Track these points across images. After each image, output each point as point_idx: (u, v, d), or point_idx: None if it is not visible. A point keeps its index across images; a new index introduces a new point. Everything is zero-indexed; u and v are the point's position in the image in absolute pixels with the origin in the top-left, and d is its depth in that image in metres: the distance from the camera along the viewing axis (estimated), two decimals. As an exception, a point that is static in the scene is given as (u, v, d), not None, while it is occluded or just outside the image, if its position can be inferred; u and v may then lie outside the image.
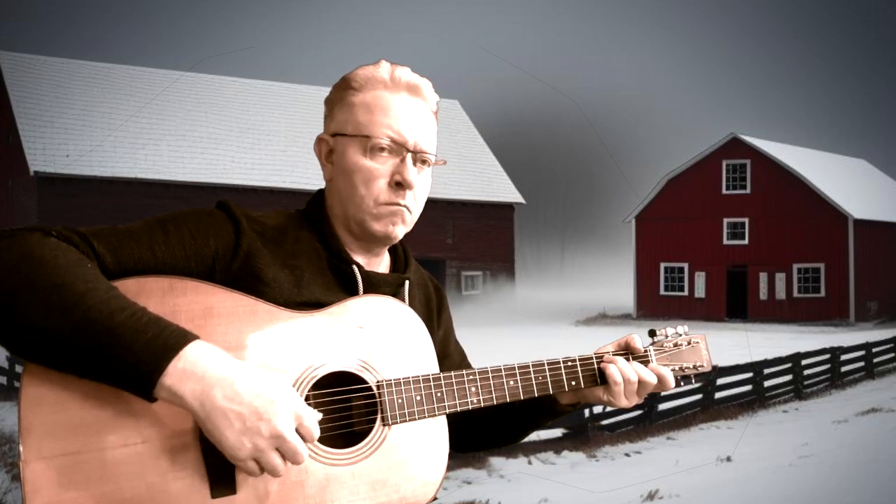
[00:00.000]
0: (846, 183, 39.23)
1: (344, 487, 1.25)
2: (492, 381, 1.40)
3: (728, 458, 10.20)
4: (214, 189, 32.78)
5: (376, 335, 1.34)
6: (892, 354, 21.52)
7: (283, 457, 1.13)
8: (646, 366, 1.53)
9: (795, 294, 36.48)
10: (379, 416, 1.30)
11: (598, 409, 12.96)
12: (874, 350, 20.62)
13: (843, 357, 19.47)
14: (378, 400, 1.30)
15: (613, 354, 1.53)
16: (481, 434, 1.61)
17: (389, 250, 1.51)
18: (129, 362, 1.08)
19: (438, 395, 1.35)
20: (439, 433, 1.36)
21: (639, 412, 13.99)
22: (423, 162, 1.40)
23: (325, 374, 1.28)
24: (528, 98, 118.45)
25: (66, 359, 1.09)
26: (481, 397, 1.39)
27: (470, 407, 1.37)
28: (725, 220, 37.82)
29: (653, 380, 1.51)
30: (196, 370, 1.10)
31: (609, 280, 61.17)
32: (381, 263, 1.48)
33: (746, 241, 37.48)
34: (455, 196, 39.22)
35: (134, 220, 1.29)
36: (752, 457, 10.25)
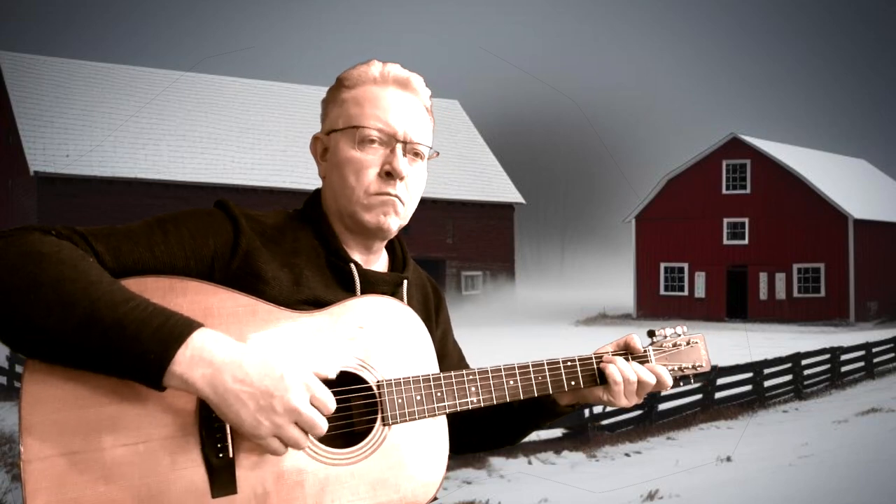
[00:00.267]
0: (846, 183, 39.23)
1: (344, 487, 1.25)
2: (491, 381, 1.41)
3: (728, 458, 10.20)
4: (214, 189, 32.78)
5: (376, 335, 1.34)
6: (892, 354, 21.51)
7: (303, 430, 1.15)
8: (645, 366, 1.53)
9: (795, 294, 36.47)
10: (379, 415, 1.30)
11: (598, 409, 12.96)
12: (874, 350, 20.62)
13: (843, 357, 19.47)
14: (378, 400, 1.31)
15: (613, 354, 1.53)
16: (481, 434, 1.61)
17: (388, 250, 1.52)
18: (137, 353, 1.09)
19: (438, 394, 1.35)
20: (439, 433, 1.36)
21: (639, 412, 13.99)
22: (416, 154, 1.41)
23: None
24: (528, 98, 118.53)
25: (73, 353, 1.09)
26: (481, 397, 1.39)
27: (470, 407, 1.38)
28: (725, 220, 37.82)
29: (652, 380, 1.51)
30: (204, 356, 1.11)
31: (609, 280, 61.17)
32: (380, 262, 1.48)
33: (746, 241, 37.48)
34: (455, 196, 39.24)
35: (134, 220, 1.30)
36: (752, 457, 10.25)
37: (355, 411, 1.31)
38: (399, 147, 1.38)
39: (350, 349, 1.31)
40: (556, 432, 12.50)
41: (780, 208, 36.51)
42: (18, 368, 14.97)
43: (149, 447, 1.14)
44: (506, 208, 42.49)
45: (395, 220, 1.40)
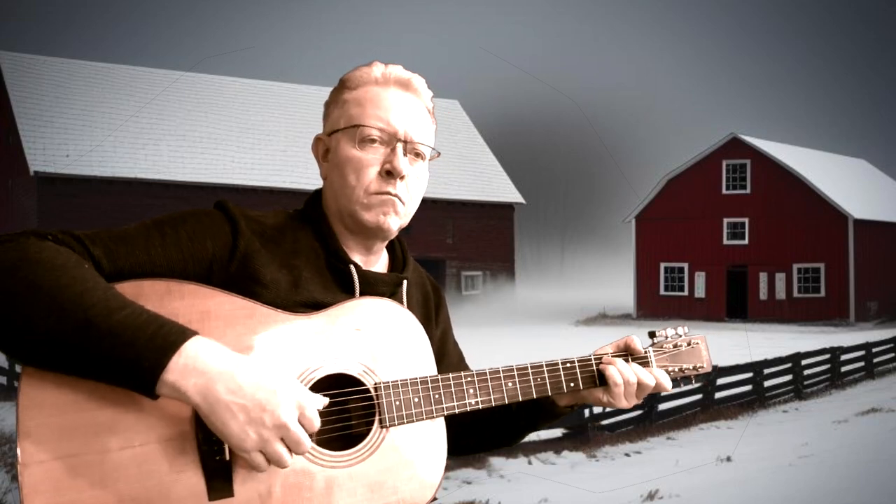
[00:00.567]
0: (846, 183, 39.23)
1: (342, 489, 1.25)
2: (490, 383, 1.40)
3: (728, 458, 10.20)
4: (214, 189, 32.79)
5: (374, 337, 1.34)
6: (892, 354, 21.52)
7: (288, 447, 1.14)
8: (645, 367, 1.53)
9: (795, 294, 36.48)
10: (377, 418, 1.30)
11: (597, 409, 12.96)
12: (874, 350, 20.63)
13: (843, 357, 19.48)
14: (376, 402, 1.30)
15: (613, 356, 1.53)
16: (479, 436, 1.61)
17: (388, 249, 1.51)
18: (131, 360, 1.08)
19: (436, 396, 1.35)
20: (438, 435, 1.36)
21: (639, 412, 13.99)
22: (417, 155, 1.41)
23: (322, 377, 1.28)
24: (528, 98, 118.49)
25: (67, 360, 1.09)
26: (479, 399, 1.39)
27: (468, 409, 1.37)
28: (725, 220, 37.83)
29: (651, 381, 1.51)
30: (197, 365, 1.10)
31: (609, 280, 61.17)
32: (380, 262, 1.48)
33: (746, 241, 37.48)
34: (455, 196, 39.23)
35: (134, 221, 1.30)
36: (752, 457, 10.25)
37: (353, 414, 1.31)
38: (399, 146, 1.38)
39: (347, 352, 1.31)
40: (556, 432, 12.50)
41: (780, 208, 36.52)
42: (18, 368, 14.97)
43: (146, 450, 1.14)
44: (506, 208, 42.50)
45: (395, 220, 1.39)
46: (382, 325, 1.35)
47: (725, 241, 37.89)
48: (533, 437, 10.56)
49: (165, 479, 1.14)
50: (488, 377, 1.40)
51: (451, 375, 1.37)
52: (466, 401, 1.37)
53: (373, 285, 1.40)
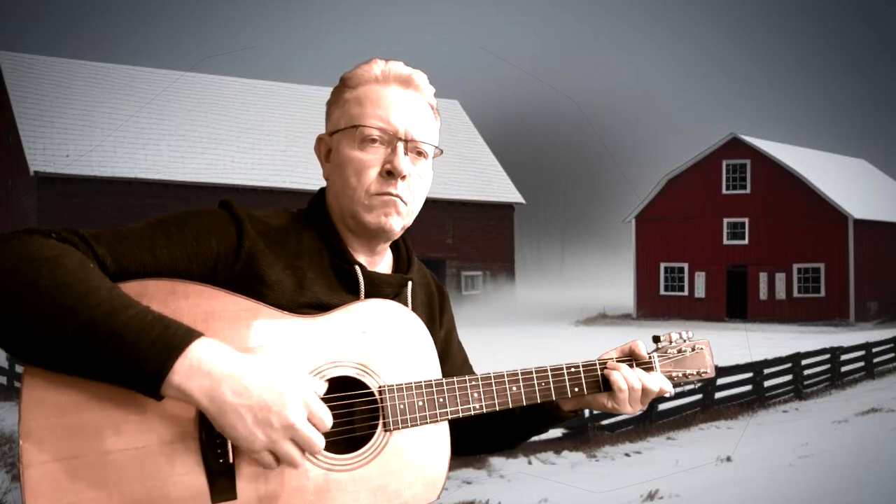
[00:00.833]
0: (846, 183, 39.23)
1: (345, 493, 1.24)
2: (494, 388, 1.40)
3: (728, 458, 10.19)
4: (214, 189, 32.78)
5: (379, 340, 1.33)
6: (892, 354, 21.53)
7: (299, 447, 1.14)
8: (649, 373, 1.52)
9: (795, 294, 36.48)
10: (380, 421, 1.29)
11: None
12: (874, 350, 20.63)
13: (843, 357, 19.49)
14: (380, 405, 1.30)
15: (617, 361, 1.52)
16: (482, 438, 1.60)
17: (393, 250, 1.50)
18: (135, 361, 1.08)
19: (440, 400, 1.34)
20: (441, 439, 1.35)
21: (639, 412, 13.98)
22: (419, 153, 1.39)
23: (327, 379, 1.26)
24: (528, 98, 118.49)
25: (71, 360, 1.08)
26: (483, 403, 1.38)
27: (472, 413, 1.37)
28: (725, 220, 37.83)
29: (655, 387, 1.50)
30: (203, 367, 1.10)
31: (609, 280, 61.17)
32: (384, 263, 1.47)
33: (746, 241, 37.47)
34: (455, 196, 39.22)
35: (134, 221, 1.29)
36: (752, 457, 10.25)
37: (357, 416, 1.30)
38: (400, 145, 1.36)
39: (352, 354, 1.30)
40: (556, 432, 12.49)
41: (780, 208, 36.51)
42: (18, 369, 14.97)
43: (149, 452, 1.13)
44: (506, 208, 42.49)
45: (398, 221, 1.38)
46: (387, 327, 1.34)
47: (725, 241, 37.89)
48: (533, 437, 10.55)
49: (168, 481, 1.14)
50: (493, 381, 1.40)
51: (455, 379, 1.37)
52: (471, 405, 1.37)
53: (378, 286, 1.39)
